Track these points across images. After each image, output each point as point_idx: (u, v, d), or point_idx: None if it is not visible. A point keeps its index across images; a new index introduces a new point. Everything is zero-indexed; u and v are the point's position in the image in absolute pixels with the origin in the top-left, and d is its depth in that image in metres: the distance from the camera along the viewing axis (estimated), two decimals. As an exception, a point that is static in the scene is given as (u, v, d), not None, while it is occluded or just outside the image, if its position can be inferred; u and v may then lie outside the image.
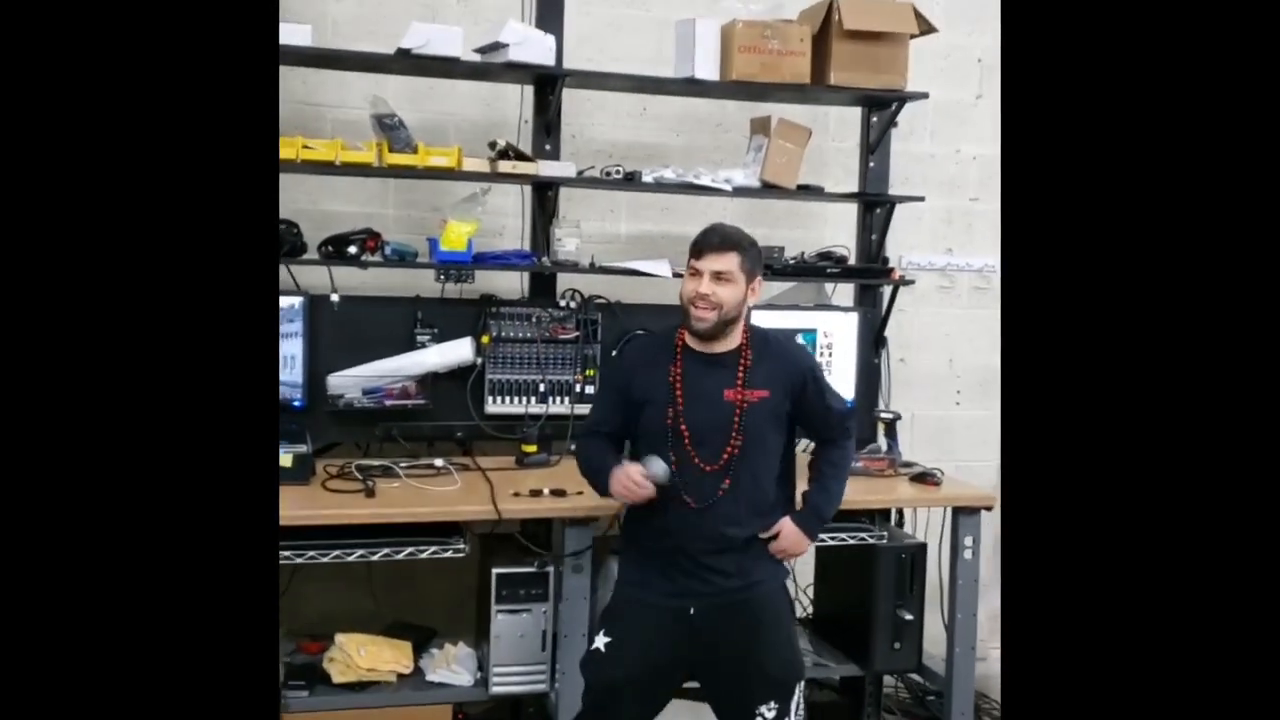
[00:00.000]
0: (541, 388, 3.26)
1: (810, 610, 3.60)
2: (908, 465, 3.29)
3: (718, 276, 2.26)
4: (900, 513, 3.43)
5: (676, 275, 3.31)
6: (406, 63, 3.02)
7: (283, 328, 3.01)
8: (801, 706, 2.32)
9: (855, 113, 3.66)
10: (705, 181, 3.26)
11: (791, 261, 3.40)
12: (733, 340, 2.32)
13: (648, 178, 3.25)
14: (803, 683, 2.34)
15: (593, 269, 3.28)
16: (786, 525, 2.37)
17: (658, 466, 2.28)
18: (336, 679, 2.84)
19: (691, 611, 2.30)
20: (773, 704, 2.27)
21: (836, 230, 3.81)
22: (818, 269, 3.43)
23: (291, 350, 3.03)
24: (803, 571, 3.63)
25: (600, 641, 2.38)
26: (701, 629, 2.30)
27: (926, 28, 3.27)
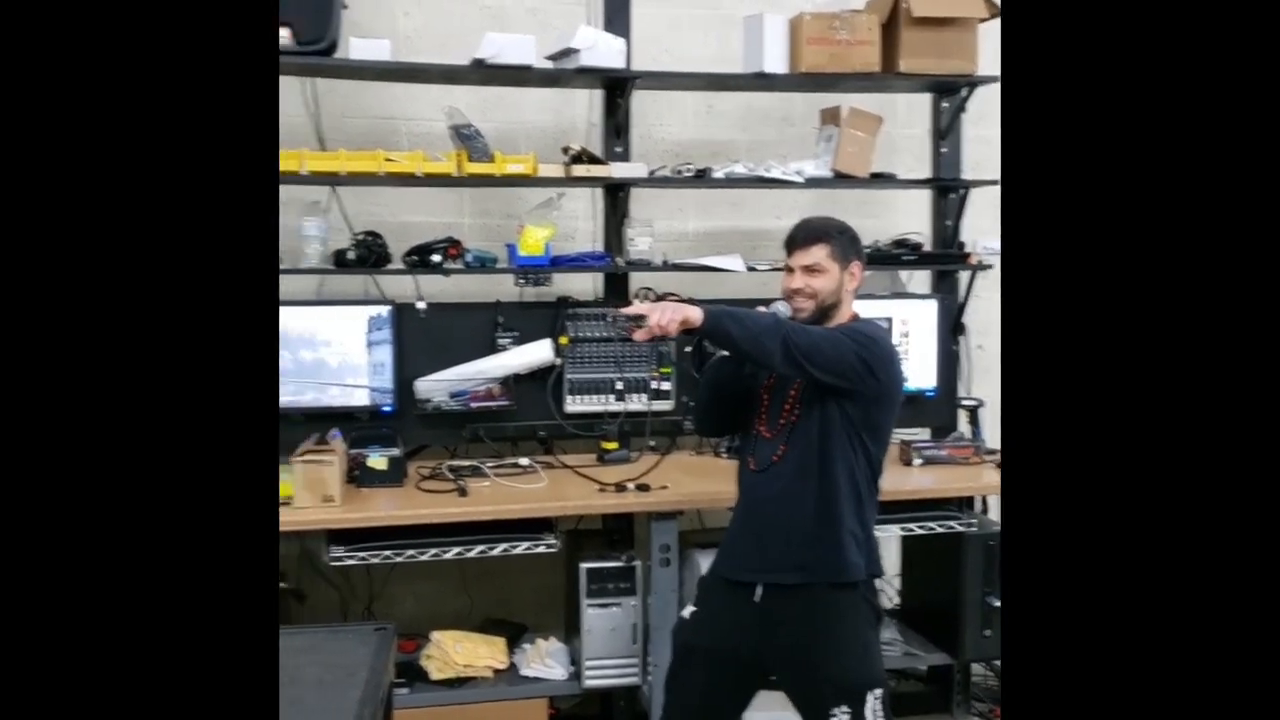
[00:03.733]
0: (619, 386, 3.31)
1: (897, 601, 3.61)
2: (992, 452, 3.28)
3: (809, 269, 2.34)
4: (984, 500, 3.42)
5: (750, 269, 3.35)
6: (481, 73, 3.09)
7: (371, 335, 3.11)
8: (878, 712, 2.28)
9: (924, 100, 3.65)
10: (776, 174, 3.28)
11: (866, 250, 3.39)
12: (838, 321, 2.38)
13: (718, 174, 3.28)
14: (878, 690, 2.29)
15: (666, 267, 3.32)
16: None
17: None
18: (435, 676, 2.91)
19: (757, 596, 2.32)
20: (845, 708, 2.27)
21: (908, 218, 3.80)
22: (893, 257, 3.43)
23: (381, 357, 3.12)
24: (888, 562, 3.63)
25: (687, 610, 2.47)
26: (768, 618, 2.32)
27: (995, 11, 3.26)
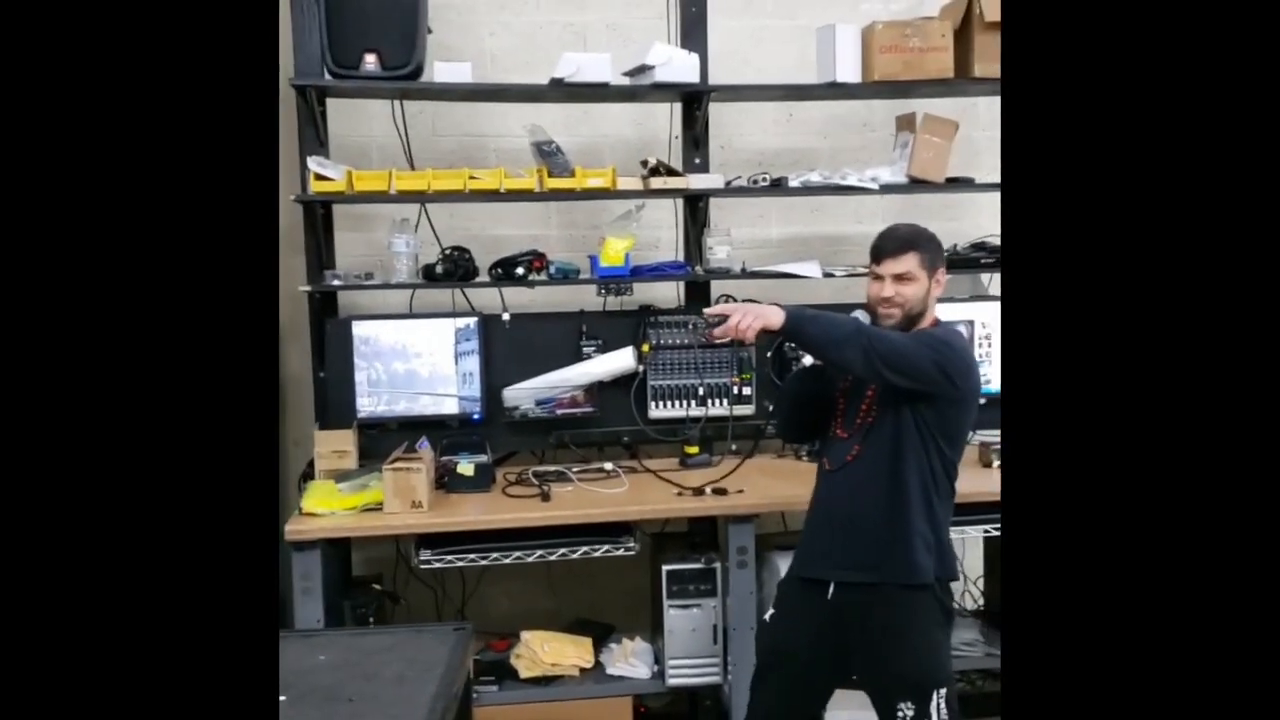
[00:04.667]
0: (700, 391, 3.37)
1: (981, 603, 3.59)
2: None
3: (899, 278, 2.38)
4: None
5: (827, 275, 3.38)
6: (560, 91, 3.19)
7: (460, 346, 3.25)
8: (943, 710, 2.31)
9: (1005, 101, 3.62)
10: (852, 181, 3.31)
11: (945, 254, 3.39)
12: (921, 328, 2.42)
13: (794, 182, 3.32)
14: (944, 690, 2.32)
15: (744, 274, 3.38)
16: None
17: None
18: (523, 674, 3.03)
19: (829, 593, 2.38)
20: (910, 704, 2.31)
21: (993, 220, 3.76)
22: (971, 260, 3.42)
23: (469, 367, 3.25)
24: (972, 565, 3.62)
25: (768, 613, 2.54)
26: (841, 615, 2.37)
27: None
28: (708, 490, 2.97)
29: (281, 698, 1.74)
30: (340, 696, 1.79)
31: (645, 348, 3.35)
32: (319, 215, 3.20)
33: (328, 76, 3.06)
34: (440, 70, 3.10)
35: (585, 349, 3.35)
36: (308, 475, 3.10)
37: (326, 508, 2.82)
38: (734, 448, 3.39)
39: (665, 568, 3.01)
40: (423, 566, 2.91)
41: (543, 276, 3.26)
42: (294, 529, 2.76)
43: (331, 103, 3.26)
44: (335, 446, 3.05)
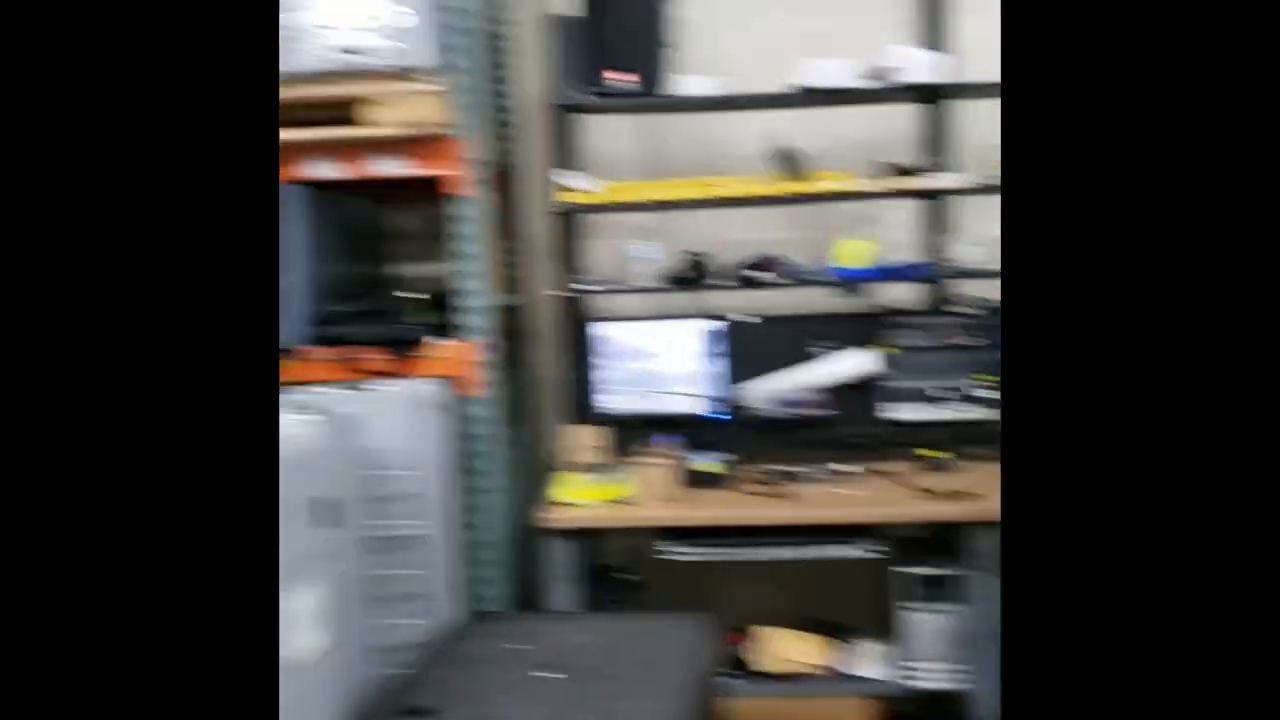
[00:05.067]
0: (940, 394, 3.33)
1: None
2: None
3: None
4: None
5: (1078, 275, 3.26)
6: (801, 97, 3.24)
7: (704, 347, 3.37)
8: None
9: None
10: (1106, 177, 3.18)
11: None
12: None
13: (1042, 179, 3.23)
14: None
15: (987, 275, 3.31)
16: None
17: None
18: (758, 669, 3.10)
19: None
20: None
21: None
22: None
23: (712, 368, 3.36)
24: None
25: None
26: None
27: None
28: (949, 494, 2.94)
29: (563, 676, 1.90)
30: (605, 675, 1.92)
31: (883, 349, 3.34)
32: (569, 225, 3.39)
33: (581, 95, 3.24)
34: (682, 83, 3.22)
35: (822, 351, 3.38)
36: (558, 469, 3.29)
37: (579, 499, 2.99)
38: (977, 452, 3.34)
39: (906, 571, 3.01)
40: (662, 558, 3.03)
41: (780, 279, 3.32)
42: (548, 518, 2.94)
43: (579, 118, 3.45)
44: (585, 441, 3.22)
